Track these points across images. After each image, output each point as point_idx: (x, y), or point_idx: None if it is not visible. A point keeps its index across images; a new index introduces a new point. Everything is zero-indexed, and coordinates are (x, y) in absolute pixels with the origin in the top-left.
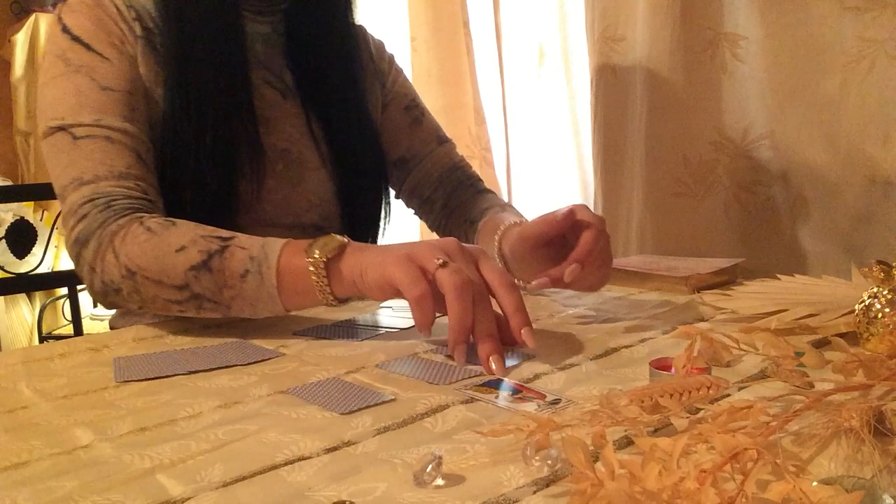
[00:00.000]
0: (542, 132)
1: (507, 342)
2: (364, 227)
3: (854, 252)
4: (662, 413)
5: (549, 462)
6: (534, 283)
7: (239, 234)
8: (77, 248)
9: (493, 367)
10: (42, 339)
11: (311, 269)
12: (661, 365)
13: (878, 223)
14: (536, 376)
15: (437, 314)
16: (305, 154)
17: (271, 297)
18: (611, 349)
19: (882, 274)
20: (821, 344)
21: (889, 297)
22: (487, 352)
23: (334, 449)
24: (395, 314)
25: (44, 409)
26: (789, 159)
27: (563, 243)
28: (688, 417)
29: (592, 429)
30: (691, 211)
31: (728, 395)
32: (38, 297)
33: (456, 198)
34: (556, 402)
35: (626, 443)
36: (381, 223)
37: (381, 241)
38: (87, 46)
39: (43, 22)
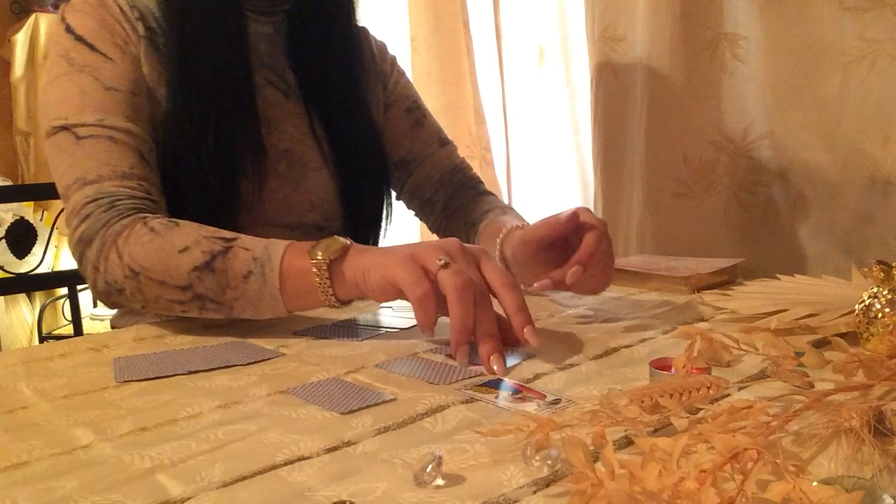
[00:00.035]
0: (542, 132)
1: (507, 342)
2: (366, 227)
3: (854, 252)
4: (662, 413)
5: (549, 462)
6: (536, 284)
7: (242, 236)
8: (80, 247)
9: (495, 366)
10: (42, 339)
11: (314, 270)
12: (661, 365)
13: (878, 223)
14: (536, 376)
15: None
16: (307, 154)
17: (273, 299)
18: (611, 349)
19: (882, 274)
20: (821, 344)
21: (889, 297)
22: (488, 351)
23: (334, 449)
24: (395, 314)
25: (44, 409)
26: (789, 159)
27: (565, 246)
28: (688, 417)
29: (592, 429)
30: (691, 211)
31: (728, 395)
32: (38, 297)
33: (456, 200)
34: (556, 402)
35: (626, 443)
36: (383, 224)
37: (382, 241)
38: (91, 46)
39: (43, 22)
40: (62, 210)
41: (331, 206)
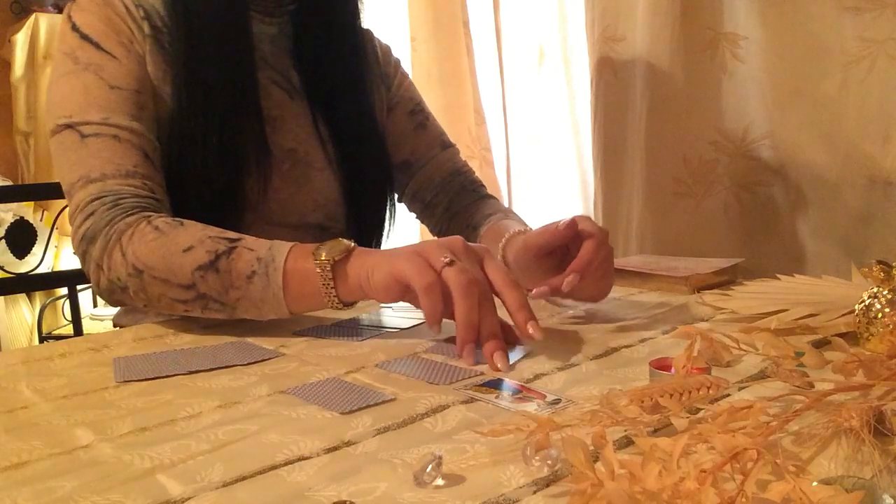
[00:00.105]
0: (542, 132)
1: (509, 342)
2: (369, 228)
3: (854, 252)
4: (662, 413)
5: (549, 462)
6: (534, 291)
7: (246, 236)
8: (84, 245)
9: (498, 364)
10: (42, 339)
11: (318, 270)
12: (661, 365)
13: (878, 223)
14: (536, 376)
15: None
16: (312, 154)
17: (276, 299)
18: (611, 349)
19: (882, 274)
20: (821, 344)
21: (889, 297)
22: (492, 349)
23: (334, 449)
24: (395, 314)
25: (44, 409)
26: (789, 159)
27: (565, 253)
28: (688, 417)
29: (592, 429)
30: (691, 211)
31: (728, 395)
32: (38, 297)
33: (458, 203)
34: (556, 402)
35: (626, 443)
36: (386, 225)
37: (385, 242)
38: (97, 45)
39: (43, 22)
40: (62, 210)
41: (334, 206)
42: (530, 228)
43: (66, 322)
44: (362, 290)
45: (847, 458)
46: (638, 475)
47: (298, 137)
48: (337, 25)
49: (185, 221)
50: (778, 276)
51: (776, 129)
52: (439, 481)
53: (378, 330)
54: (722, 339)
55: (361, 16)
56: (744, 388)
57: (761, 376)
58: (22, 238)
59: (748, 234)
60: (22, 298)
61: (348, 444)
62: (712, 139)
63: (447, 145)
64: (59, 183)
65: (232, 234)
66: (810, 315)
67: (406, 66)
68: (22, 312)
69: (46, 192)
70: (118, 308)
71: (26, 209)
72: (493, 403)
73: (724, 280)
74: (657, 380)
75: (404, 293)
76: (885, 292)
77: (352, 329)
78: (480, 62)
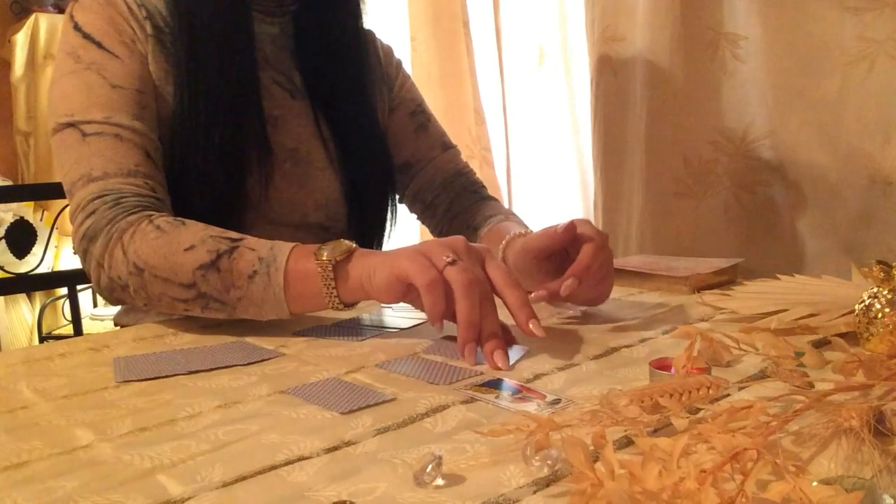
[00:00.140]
0: (542, 132)
1: (507, 342)
2: (370, 228)
3: (854, 252)
4: (662, 413)
5: (549, 462)
6: (533, 295)
7: (248, 236)
8: (85, 243)
9: (498, 363)
10: (42, 339)
11: (319, 270)
12: (661, 365)
13: (878, 223)
14: (536, 376)
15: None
16: (313, 154)
17: (277, 299)
18: (611, 349)
19: (882, 274)
20: (821, 344)
21: (889, 297)
22: (492, 348)
23: (334, 449)
24: (395, 314)
25: (44, 409)
26: (789, 159)
27: (565, 257)
28: (688, 417)
29: (592, 429)
30: (691, 211)
31: (728, 395)
32: (38, 297)
33: (458, 204)
34: (556, 402)
35: (626, 443)
36: (388, 225)
37: (386, 243)
38: (99, 44)
39: (43, 22)
40: (62, 210)
41: (336, 206)
42: (531, 231)
43: (66, 322)
44: (364, 291)
45: (847, 458)
46: (638, 475)
47: (300, 137)
48: (338, 26)
49: (187, 221)
50: (778, 276)
51: (776, 129)
52: (439, 481)
53: (378, 330)
54: (722, 339)
55: (363, 16)
56: (744, 388)
57: (761, 376)
58: (22, 238)
59: (748, 234)
60: (22, 298)
61: (348, 444)
62: (712, 139)
63: (448, 146)
64: (59, 183)
65: (233, 234)
66: (810, 315)
67: (406, 66)
68: (22, 312)
69: (46, 192)
70: (118, 308)
71: (26, 209)
72: (493, 403)
73: (724, 280)
74: (657, 380)
75: (406, 293)
76: (885, 292)
77: (352, 329)
78: (480, 62)
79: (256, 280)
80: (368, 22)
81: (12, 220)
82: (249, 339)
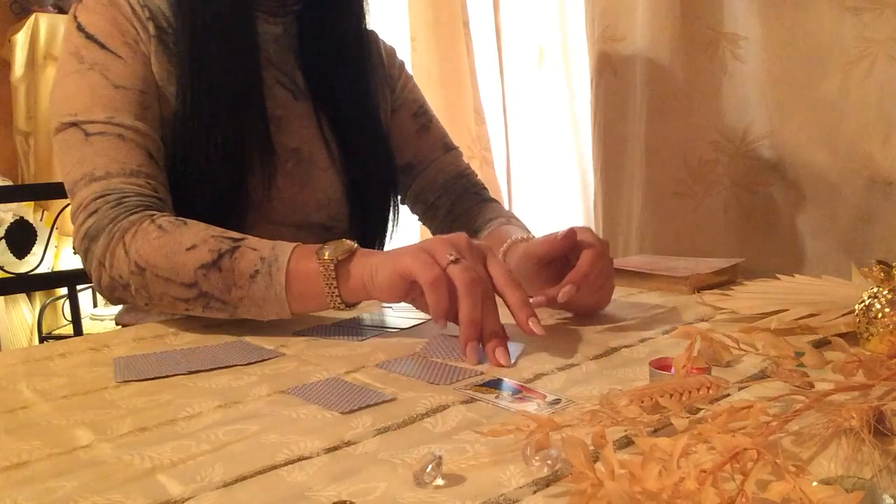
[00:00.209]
0: (542, 132)
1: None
2: (372, 228)
3: (854, 252)
4: (662, 413)
5: (549, 462)
6: (531, 300)
7: (250, 236)
8: (86, 242)
9: (500, 360)
10: (42, 339)
11: (321, 270)
12: (661, 365)
13: (878, 223)
14: (536, 376)
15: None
16: (315, 154)
17: (279, 299)
18: (611, 349)
19: (882, 274)
20: (821, 344)
21: (889, 297)
22: (493, 346)
23: (334, 449)
24: (396, 314)
25: (44, 409)
26: (789, 159)
27: (565, 263)
28: (688, 417)
29: (592, 429)
30: (691, 211)
31: (728, 395)
32: (38, 297)
33: (460, 205)
34: (556, 402)
35: (626, 443)
36: (389, 225)
37: (388, 243)
38: (102, 45)
39: (43, 22)
40: (62, 210)
41: (337, 206)
42: (532, 235)
43: (66, 322)
44: (366, 290)
45: (847, 458)
46: (638, 475)
47: (302, 137)
48: (341, 26)
49: (189, 221)
50: (778, 276)
51: (776, 129)
52: (439, 481)
53: (378, 330)
54: (722, 339)
55: (366, 17)
56: (744, 388)
57: (761, 376)
58: (22, 238)
59: (748, 234)
60: (22, 298)
61: (348, 444)
62: (712, 139)
63: (450, 148)
64: (59, 183)
65: (235, 234)
66: (810, 315)
67: (406, 66)
68: (22, 312)
69: (46, 192)
70: (119, 308)
71: (26, 209)
72: (493, 403)
73: (724, 280)
74: (657, 380)
75: (409, 291)
76: (885, 292)
77: (352, 329)
78: (480, 62)
79: (258, 280)
80: (369, 22)
81: (12, 220)
82: (249, 339)
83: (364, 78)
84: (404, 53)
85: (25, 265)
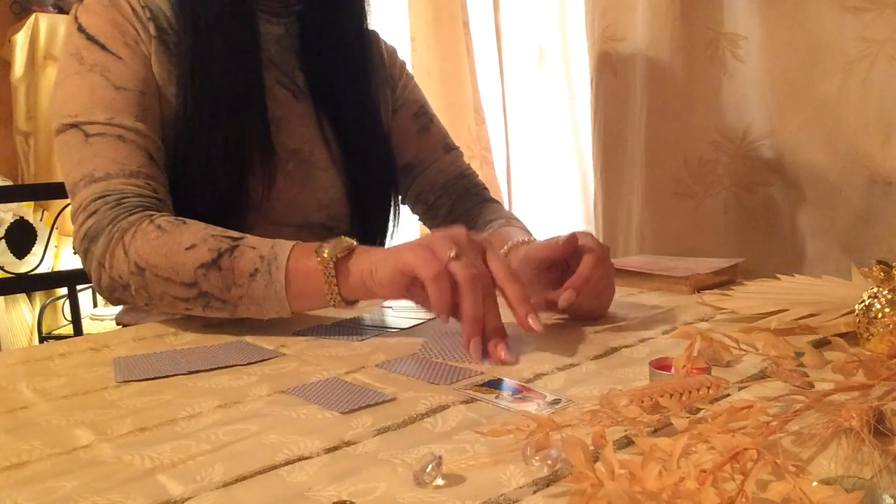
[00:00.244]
0: (542, 132)
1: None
2: (373, 228)
3: (854, 252)
4: (662, 413)
5: (549, 462)
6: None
7: (249, 235)
8: (86, 243)
9: (503, 355)
10: (42, 339)
11: (321, 268)
12: (661, 365)
13: (878, 223)
14: (536, 376)
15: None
16: (316, 154)
17: (279, 297)
18: (611, 349)
19: (882, 274)
20: (821, 344)
21: (889, 297)
22: (495, 342)
23: (334, 449)
24: (396, 314)
25: (44, 409)
26: (789, 159)
27: (566, 268)
28: (688, 417)
29: (592, 429)
30: (691, 211)
31: (728, 395)
32: (38, 297)
33: (461, 206)
34: (556, 402)
35: (626, 443)
36: (390, 225)
37: (389, 243)
38: (102, 46)
39: (43, 22)
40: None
41: (338, 206)
42: (533, 238)
43: (66, 322)
44: (366, 288)
45: (847, 458)
46: (638, 475)
47: (303, 137)
48: (343, 26)
49: (189, 220)
50: (778, 276)
51: (776, 129)
52: (439, 481)
53: (379, 330)
54: (722, 339)
55: (368, 17)
56: (744, 388)
57: (761, 376)
58: (22, 238)
59: (748, 234)
60: (22, 298)
61: (348, 444)
62: (712, 139)
63: (451, 148)
64: (59, 183)
65: (234, 233)
66: (810, 315)
67: (407, 65)
68: (22, 312)
69: (46, 192)
70: (119, 308)
71: (26, 209)
72: (493, 403)
73: (724, 280)
74: (657, 380)
75: (409, 287)
76: (885, 292)
77: (352, 329)
78: (480, 62)
79: (258, 278)
80: (370, 22)
81: (12, 220)
82: (249, 339)
83: (365, 78)
84: (404, 53)
85: (25, 265)
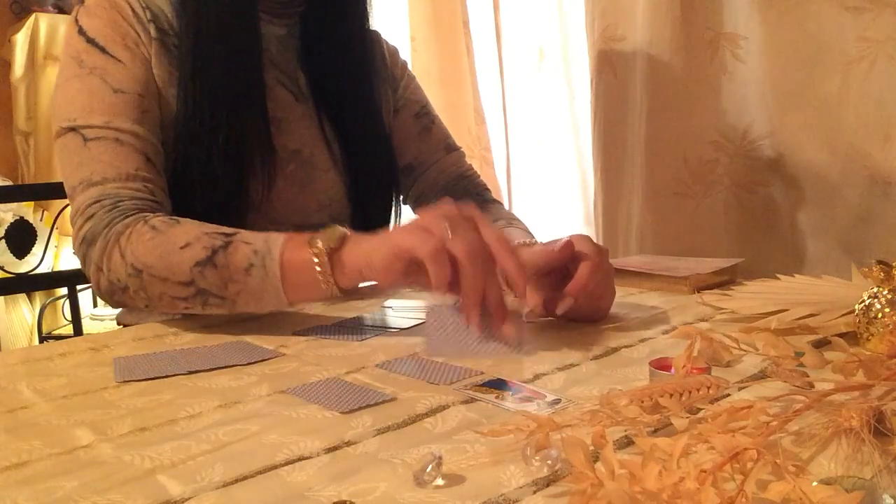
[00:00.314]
0: (542, 132)
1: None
2: (374, 229)
3: (854, 252)
4: (662, 413)
5: (549, 462)
6: (528, 311)
7: (242, 231)
8: (84, 247)
9: (506, 330)
10: (42, 339)
11: (315, 259)
12: (661, 365)
13: (878, 223)
14: (536, 376)
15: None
16: (317, 155)
17: (276, 290)
18: (611, 349)
19: (882, 274)
20: (821, 344)
21: (889, 297)
22: (501, 318)
23: (334, 449)
24: (396, 314)
25: (44, 409)
26: (789, 159)
27: (565, 273)
28: (688, 417)
29: (592, 429)
30: (691, 211)
31: (728, 395)
32: (38, 297)
33: None
34: (556, 402)
35: (626, 443)
36: (391, 226)
37: None
38: (102, 49)
39: (43, 22)
40: (62, 210)
41: (339, 207)
42: (534, 239)
43: (66, 322)
44: (362, 275)
45: (847, 458)
46: (638, 475)
47: (304, 138)
48: (345, 27)
49: (182, 219)
50: (778, 276)
51: (776, 129)
52: (439, 481)
53: (379, 330)
54: (722, 339)
55: (370, 17)
56: (744, 388)
57: (761, 376)
58: (22, 238)
59: (748, 234)
60: (22, 298)
61: (348, 444)
62: (712, 139)
63: (452, 148)
64: (59, 183)
65: (227, 229)
66: (810, 315)
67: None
68: (22, 312)
69: (46, 192)
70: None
71: (26, 209)
72: (493, 403)
73: (724, 280)
74: (657, 380)
75: (406, 270)
76: (885, 292)
77: (352, 329)
78: (480, 62)
79: (253, 273)
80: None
81: (12, 220)
82: (249, 339)
83: (367, 79)
84: (404, 53)
85: (25, 265)
